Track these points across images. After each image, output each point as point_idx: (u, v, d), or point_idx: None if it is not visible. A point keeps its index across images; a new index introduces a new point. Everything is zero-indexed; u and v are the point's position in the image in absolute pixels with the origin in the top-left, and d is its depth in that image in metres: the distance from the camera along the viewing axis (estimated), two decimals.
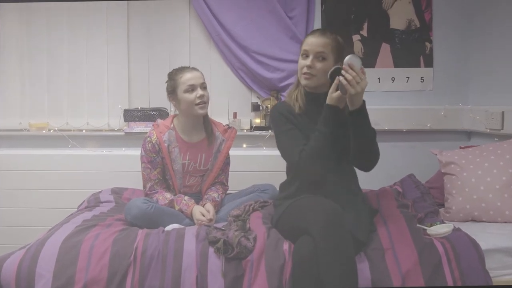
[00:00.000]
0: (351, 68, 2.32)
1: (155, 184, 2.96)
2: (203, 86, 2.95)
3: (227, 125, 3.16)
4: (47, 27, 3.94)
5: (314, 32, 2.59)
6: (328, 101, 2.41)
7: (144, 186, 2.99)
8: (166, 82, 3.02)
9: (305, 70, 2.53)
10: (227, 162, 3.14)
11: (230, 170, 3.19)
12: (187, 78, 2.92)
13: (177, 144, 2.98)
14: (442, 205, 3.11)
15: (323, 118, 2.43)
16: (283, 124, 2.58)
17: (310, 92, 2.60)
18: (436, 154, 3.22)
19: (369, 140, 2.50)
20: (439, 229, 2.56)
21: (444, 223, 2.70)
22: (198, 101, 2.91)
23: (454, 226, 2.59)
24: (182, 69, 2.98)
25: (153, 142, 2.94)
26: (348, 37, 3.85)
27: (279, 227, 2.59)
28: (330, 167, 2.56)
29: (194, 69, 2.99)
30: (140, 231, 2.62)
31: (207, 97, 2.96)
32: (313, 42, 2.51)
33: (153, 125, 3.05)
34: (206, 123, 3.05)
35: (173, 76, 2.98)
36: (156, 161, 2.95)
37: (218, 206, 3.00)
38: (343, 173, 2.64)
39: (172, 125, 3.01)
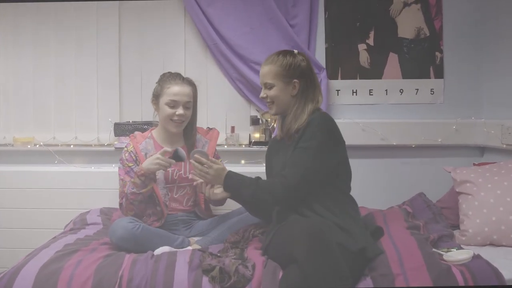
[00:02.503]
0: (198, 162, 2.51)
1: None
2: (186, 106, 2.85)
3: (208, 127, 3.09)
4: (33, 37, 3.79)
5: (175, 79, 2.85)
6: None
7: (119, 202, 2.84)
8: (156, 82, 2.93)
9: (175, 118, 2.81)
10: None
11: None
12: (173, 92, 2.83)
13: (155, 151, 2.85)
14: (456, 227, 2.94)
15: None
16: None
17: (282, 116, 2.66)
18: (450, 172, 3.05)
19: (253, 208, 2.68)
20: (457, 255, 2.37)
21: (461, 248, 2.51)
22: (175, 118, 2.83)
23: (473, 253, 2.39)
24: (173, 79, 2.87)
25: (130, 151, 2.86)
26: (353, 46, 3.73)
27: (270, 255, 2.44)
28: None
29: (186, 82, 2.88)
30: (126, 256, 2.43)
31: (186, 117, 2.87)
32: (260, 73, 2.63)
33: (130, 136, 2.97)
34: (188, 133, 2.97)
35: (162, 82, 2.88)
36: (133, 172, 2.80)
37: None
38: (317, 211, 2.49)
39: (150, 135, 2.93)
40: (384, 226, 2.67)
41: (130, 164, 2.83)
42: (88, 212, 3.20)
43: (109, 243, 2.63)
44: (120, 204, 2.81)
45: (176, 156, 2.72)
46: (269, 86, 2.57)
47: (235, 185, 2.49)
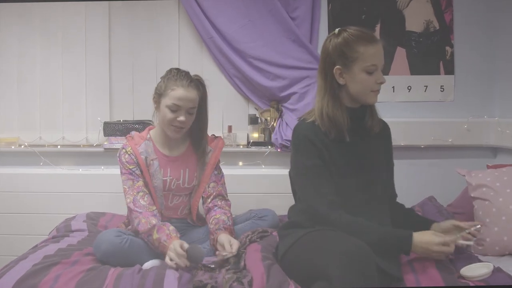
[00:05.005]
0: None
1: (141, 197, 2.57)
2: (189, 112, 2.62)
3: (213, 135, 2.87)
4: (18, 32, 3.65)
5: (370, 36, 2.23)
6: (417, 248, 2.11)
7: (127, 201, 2.59)
8: (161, 77, 2.68)
9: (377, 87, 2.22)
10: (220, 175, 2.81)
11: None
12: (177, 95, 2.57)
13: (155, 156, 2.66)
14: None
15: (390, 240, 2.13)
16: (309, 157, 2.21)
17: (353, 108, 2.28)
18: (464, 175, 2.85)
19: None
20: (475, 270, 2.16)
21: (479, 260, 2.31)
22: (175, 124, 2.60)
23: (493, 266, 2.18)
24: (180, 80, 2.60)
25: (129, 153, 2.63)
26: None
27: (285, 264, 2.21)
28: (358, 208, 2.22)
29: (193, 85, 2.62)
30: (111, 271, 2.23)
31: (188, 123, 2.64)
32: (380, 53, 2.21)
33: (126, 137, 2.74)
34: (195, 142, 2.76)
35: (168, 81, 2.62)
36: (136, 173, 2.62)
37: (233, 231, 2.61)
38: (373, 210, 2.26)
39: (148, 136, 2.71)
40: None
41: (132, 167, 2.62)
42: (73, 217, 3.02)
43: (93, 254, 2.43)
44: (130, 210, 2.57)
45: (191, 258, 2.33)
46: (382, 69, 2.23)
47: None
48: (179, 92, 2.56)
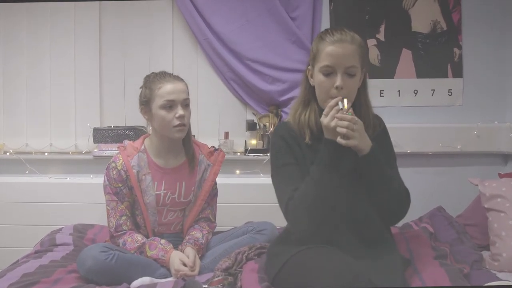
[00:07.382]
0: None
1: (124, 222, 2.50)
2: (185, 103, 2.52)
3: (213, 146, 2.74)
4: (4, 34, 3.59)
5: (333, 35, 2.08)
6: (325, 134, 2.02)
7: (109, 225, 2.52)
8: (140, 87, 2.60)
9: (334, 93, 2.05)
10: (214, 193, 2.72)
11: (220, 202, 2.78)
12: (167, 91, 2.48)
13: (149, 170, 2.54)
14: (483, 248, 2.64)
15: (319, 155, 2.03)
16: (281, 156, 2.16)
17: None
18: (477, 185, 2.71)
19: (379, 189, 2.09)
20: None
21: (499, 279, 2.15)
22: (176, 122, 2.47)
23: None
24: (163, 77, 2.53)
25: (119, 168, 2.51)
26: None
27: (278, 286, 2.07)
28: (346, 211, 2.09)
29: (177, 79, 2.55)
30: None
31: (188, 118, 2.53)
32: (339, 53, 2.04)
33: (118, 147, 2.62)
34: (186, 144, 2.62)
35: (150, 84, 2.53)
36: (123, 193, 2.51)
37: (202, 249, 2.54)
38: (366, 216, 2.12)
39: (142, 147, 2.58)
40: (408, 254, 2.33)
41: (119, 185, 2.50)
42: (59, 230, 2.89)
43: (77, 271, 2.29)
44: (112, 235, 2.51)
45: None
46: (352, 72, 2.05)
47: (379, 161, 2.04)
48: (168, 87, 2.49)
